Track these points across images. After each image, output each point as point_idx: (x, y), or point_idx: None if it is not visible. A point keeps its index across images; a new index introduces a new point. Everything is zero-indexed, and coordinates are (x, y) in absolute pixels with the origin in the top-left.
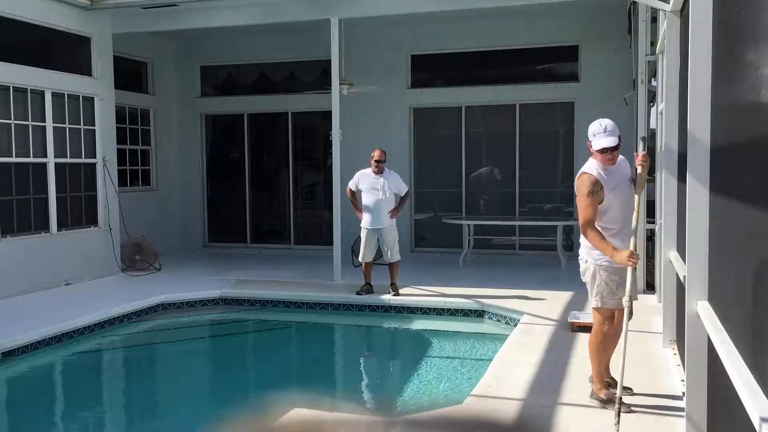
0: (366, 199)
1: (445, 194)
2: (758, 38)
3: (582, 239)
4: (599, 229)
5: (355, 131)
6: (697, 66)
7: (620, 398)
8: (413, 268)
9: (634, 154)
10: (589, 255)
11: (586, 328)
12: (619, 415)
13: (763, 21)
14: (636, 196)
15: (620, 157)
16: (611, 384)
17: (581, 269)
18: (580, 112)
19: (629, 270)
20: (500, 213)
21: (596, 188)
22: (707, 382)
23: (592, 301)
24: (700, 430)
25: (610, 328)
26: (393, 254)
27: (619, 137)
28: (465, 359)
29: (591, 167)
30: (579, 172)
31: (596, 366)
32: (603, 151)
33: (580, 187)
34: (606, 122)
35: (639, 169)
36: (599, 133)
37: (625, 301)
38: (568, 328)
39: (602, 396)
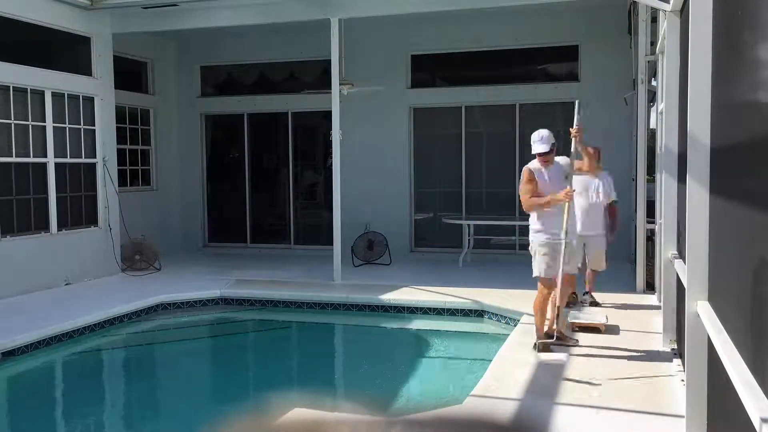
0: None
1: (445, 194)
2: (758, 38)
3: (530, 223)
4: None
5: (355, 131)
6: (697, 66)
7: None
8: (413, 268)
9: (570, 128)
10: (533, 237)
11: (587, 329)
12: (538, 347)
13: (762, 21)
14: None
15: (560, 158)
16: (549, 335)
17: (529, 249)
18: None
19: (565, 210)
20: (500, 213)
21: (532, 176)
22: (707, 382)
23: (535, 272)
24: (700, 430)
25: (548, 293)
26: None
27: (552, 145)
28: (465, 359)
29: (531, 164)
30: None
31: (538, 321)
32: (539, 155)
33: (522, 176)
34: (542, 133)
35: (573, 142)
36: (536, 142)
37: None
38: (570, 328)
39: (538, 342)
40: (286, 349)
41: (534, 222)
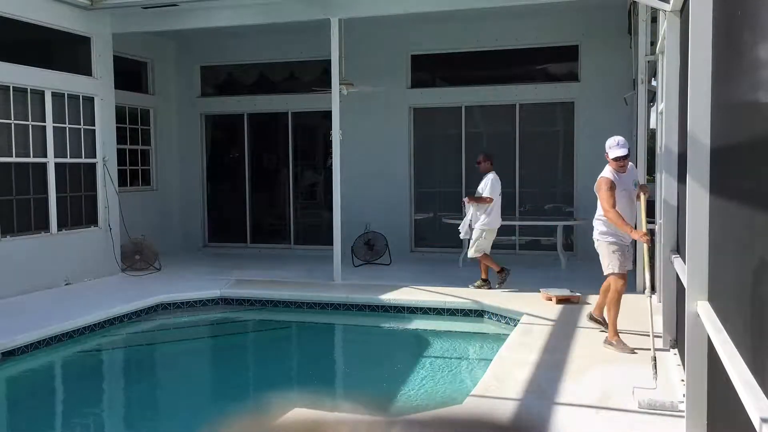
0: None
1: (445, 194)
2: (758, 38)
3: (595, 223)
4: (620, 216)
5: (355, 131)
6: (697, 66)
7: (654, 352)
8: (413, 268)
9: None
10: (600, 236)
11: (562, 300)
12: (655, 368)
13: (762, 21)
14: (642, 197)
15: (630, 164)
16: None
17: (595, 246)
18: (580, 112)
19: (644, 247)
20: (500, 213)
21: (613, 185)
22: (707, 382)
23: (608, 269)
24: (700, 430)
25: (623, 286)
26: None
27: (629, 149)
28: (465, 359)
29: (607, 172)
30: (599, 176)
31: (612, 317)
32: (616, 159)
33: (602, 185)
34: (619, 138)
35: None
36: (613, 147)
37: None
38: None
39: (613, 342)
40: (286, 349)
41: (602, 226)
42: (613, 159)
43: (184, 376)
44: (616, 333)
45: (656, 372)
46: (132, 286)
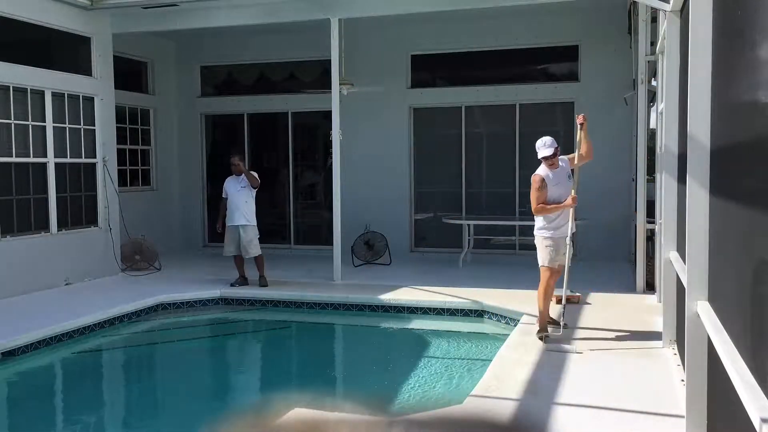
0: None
1: (445, 194)
2: (757, 38)
3: (535, 220)
4: (545, 206)
5: (355, 131)
6: (697, 66)
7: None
8: (413, 268)
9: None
10: (537, 232)
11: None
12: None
13: (762, 21)
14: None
15: (561, 158)
16: (552, 322)
17: (535, 242)
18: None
19: (570, 216)
20: (500, 213)
21: (543, 184)
22: (707, 382)
23: (540, 262)
24: (700, 430)
25: (552, 281)
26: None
27: (556, 148)
28: (465, 359)
29: (540, 170)
30: (533, 174)
31: (542, 307)
32: (544, 158)
33: (533, 183)
34: (545, 139)
35: (579, 128)
36: (540, 148)
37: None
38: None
39: (539, 334)
40: (286, 349)
41: (539, 221)
42: (541, 158)
43: (184, 376)
44: (545, 320)
45: (563, 318)
46: (132, 286)
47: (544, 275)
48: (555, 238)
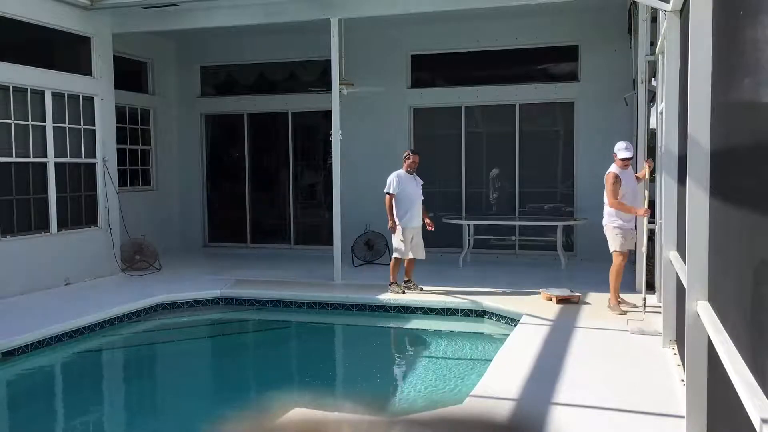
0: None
1: (445, 194)
2: (758, 38)
3: (604, 210)
4: (624, 205)
5: (355, 131)
6: (697, 66)
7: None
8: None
9: (645, 160)
10: (608, 222)
11: (563, 300)
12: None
13: (762, 21)
14: (646, 169)
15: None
16: (622, 301)
17: (605, 230)
18: (580, 112)
19: (644, 222)
20: (500, 213)
21: (618, 180)
22: (707, 382)
23: (612, 248)
24: (700, 430)
25: (623, 261)
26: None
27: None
28: (465, 359)
29: (614, 168)
30: (608, 171)
31: (613, 285)
32: (623, 159)
33: (609, 179)
34: (628, 143)
35: (645, 166)
36: (622, 149)
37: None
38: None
39: (611, 305)
40: (286, 349)
41: (612, 213)
42: (620, 159)
43: (184, 376)
44: (617, 298)
45: (645, 306)
46: (132, 286)
47: (616, 259)
48: (624, 227)
